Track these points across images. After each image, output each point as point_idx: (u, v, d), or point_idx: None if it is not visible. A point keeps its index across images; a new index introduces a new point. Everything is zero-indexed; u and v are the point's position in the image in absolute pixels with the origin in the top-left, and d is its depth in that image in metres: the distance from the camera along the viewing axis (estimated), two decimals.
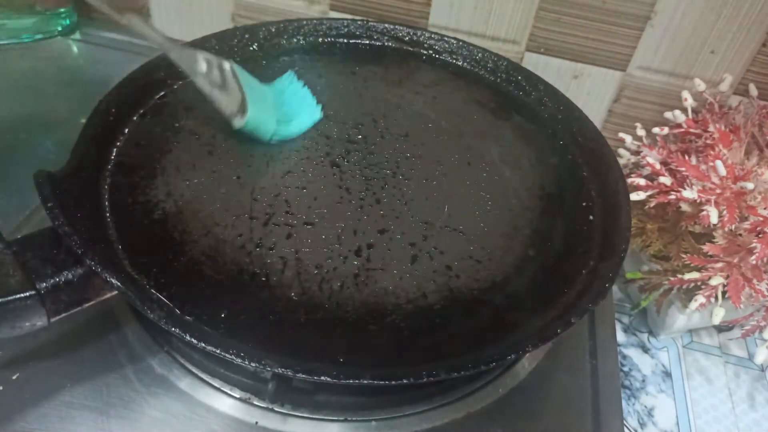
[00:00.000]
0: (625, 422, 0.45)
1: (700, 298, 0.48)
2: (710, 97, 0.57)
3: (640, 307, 0.56)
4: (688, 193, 0.48)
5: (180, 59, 0.47)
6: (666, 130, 0.56)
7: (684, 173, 0.50)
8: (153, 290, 0.37)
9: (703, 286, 0.48)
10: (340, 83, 0.55)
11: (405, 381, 0.32)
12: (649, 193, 0.51)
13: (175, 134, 0.48)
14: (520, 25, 0.63)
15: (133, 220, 0.41)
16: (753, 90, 0.60)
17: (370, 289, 0.39)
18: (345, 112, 0.53)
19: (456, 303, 0.39)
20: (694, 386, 0.53)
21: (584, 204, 0.47)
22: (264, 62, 0.57)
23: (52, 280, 0.33)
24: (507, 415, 0.41)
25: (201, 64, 0.47)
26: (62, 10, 0.71)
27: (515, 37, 0.64)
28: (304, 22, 0.60)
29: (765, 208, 0.48)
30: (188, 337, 0.32)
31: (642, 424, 0.50)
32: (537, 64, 0.65)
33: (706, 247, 0.49)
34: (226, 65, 0.48)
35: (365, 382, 0.32)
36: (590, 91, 0.66)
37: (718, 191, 0.48)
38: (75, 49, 0.70)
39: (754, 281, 0.47)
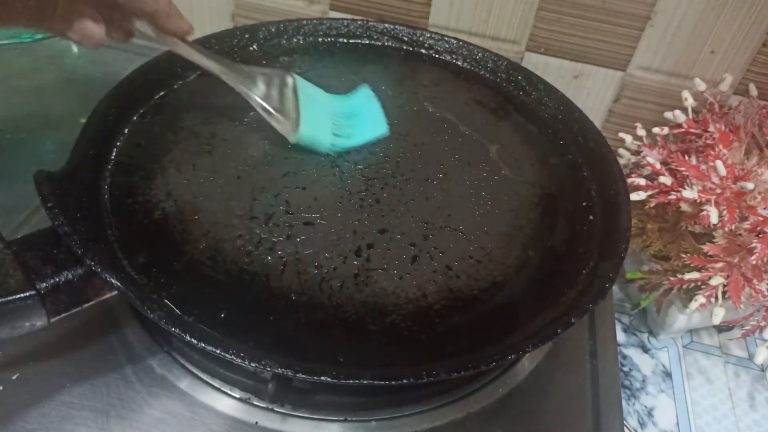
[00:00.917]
0: (625, 422, 0.45)
1: (700, 298, 0.48)
2: (710, 97, 0.57)
3: (640, 307, 0.56)
4: (688, 193, 0.48)
5: (235, 82, 0.46)
6: (666, 130, 0.56)
7: (684, 173, 0.50)
8: (153, 290, 0.37)
9: (703, 286, 0.48)
10: (340, 83, 0.55)
11: (405, 381, 0.32)
12: (649, 193, 0.51)
13: (175, 134, 0.48)
14: (520, 24, 0.63)
15: (133, 220, 0.41)
16: (753, 90, 0.60)
17: (370, 289, 0.39)
18: None
19: (456, 303, 0.39)
20: (694, 386, 0.53)
21: (584, 204, 0.47)
22: (264, 62, 0.57)
23: (52, 280, 0.33)
24: (507, 415, 0.41)
25: (259, 85, 0.46)
26: None
27: (515, 36, 0.64)
28: (304, 22, 0.60)
29: (765, 208, 0.48)
30: (188, 337, 0.32)
31: (642, 424, 0.50)
32: (537, 64, 0.65)
33: (706, 247, 0.49)
34: (289, 80, 0.47)
35: (365, 382, 0.32)
36: (590, 91, 0.66)
37: (718, 191, 0.48)
38: (75, 49, 0.70)
39: (754, 281, 0.47)
